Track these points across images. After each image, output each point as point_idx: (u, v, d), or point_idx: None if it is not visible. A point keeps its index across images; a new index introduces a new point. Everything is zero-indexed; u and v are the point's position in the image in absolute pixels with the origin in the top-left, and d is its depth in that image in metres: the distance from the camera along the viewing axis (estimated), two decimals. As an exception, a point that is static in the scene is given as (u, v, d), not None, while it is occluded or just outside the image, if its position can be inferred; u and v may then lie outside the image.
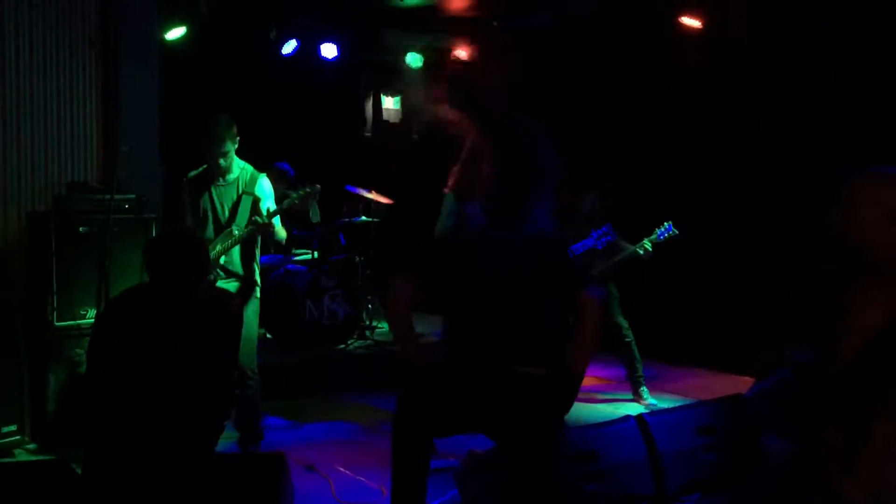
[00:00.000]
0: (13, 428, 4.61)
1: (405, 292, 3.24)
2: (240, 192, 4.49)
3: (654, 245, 5.59)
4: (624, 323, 5.68)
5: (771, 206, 6.31)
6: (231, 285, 4.45)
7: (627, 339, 5.67)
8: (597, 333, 3.30)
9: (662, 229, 5.59)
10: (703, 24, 6.60)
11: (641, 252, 5.58)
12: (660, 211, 5.77)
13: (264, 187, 4.58)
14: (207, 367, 3.21)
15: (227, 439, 4.79)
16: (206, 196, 4.48)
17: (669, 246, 5.69)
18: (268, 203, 4.55)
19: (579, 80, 7.62)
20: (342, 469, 4.45)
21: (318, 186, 4.89)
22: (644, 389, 5.70)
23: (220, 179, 4.50)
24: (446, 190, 4.55)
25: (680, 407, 4.73)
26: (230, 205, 4.49)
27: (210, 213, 4.47)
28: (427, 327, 6.72)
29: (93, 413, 3.21)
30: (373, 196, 7.11)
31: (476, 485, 3.62)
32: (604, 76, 7.44)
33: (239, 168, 4.53)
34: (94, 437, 3.18)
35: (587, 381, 6.21)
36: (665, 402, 5.62)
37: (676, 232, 5.58)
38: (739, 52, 6.41)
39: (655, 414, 4.25)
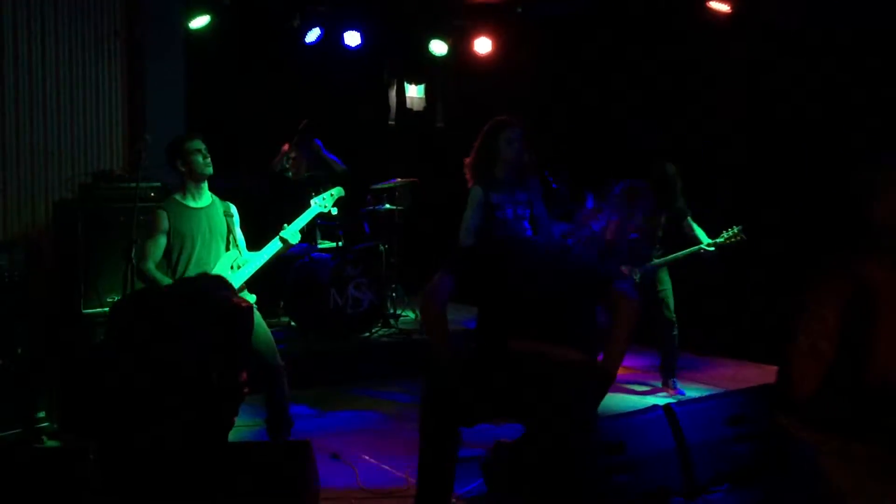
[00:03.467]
0: (42, 415, 4.66)
1: (444, 288, 3.26)
2: (222, 214, 4.45)
3: (718, 247, 5.57)
4: (673, 318, 5.65)
5: (800, 193, 6.21)
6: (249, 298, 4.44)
7: (674, 333, 5.65)
8: (632, 329, 3.30)
9: (730, 233, 5.55)
10: (731, 8, 6.49)
11: (702, 251, 5.56)
12: (694, 200, 5.70)
13: (235, 211, 4.56)
14: (216, 366, 3.24)
15: (255, 426, 4.83)
16: (187, 222, 4.33)
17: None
18: (237, 228, 4.54)
19: (604, 67, 7.54)
20: (367, 457, 4.44)
21: (341, 189, 4.82)
22: (674, 380, 5.66)
23: (195, 202, 4.39)
24: (469, 184, 4.57)
25: (708, 396, 4.67)
26: (219, 228, 4.41)
27: (196, 238, 4.33)
28: (455, 315, 6.70)
29: (108, 405, 3.24)
30: (399, 182, 7.10)
31: (502, 474, 3.59)
32: (629, 64, 7.34)
33: (208, 194, 4.47)
34: (110, 429, 3.21)
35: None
36: (693, 392, 5.56)
37: (744, 238, 5.53)
38: (769, 37, 6.30)
39: (684, 404, 4.19)
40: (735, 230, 5.55)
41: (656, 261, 5.64)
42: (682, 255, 5.62)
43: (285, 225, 4.53)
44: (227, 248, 4.46)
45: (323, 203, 4.72)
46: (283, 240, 4.46)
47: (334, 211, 4.82)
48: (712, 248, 5.57)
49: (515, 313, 3.26)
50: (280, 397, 4.51)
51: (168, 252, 4.33)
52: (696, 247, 5.60)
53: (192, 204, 4.39)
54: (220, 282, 4.00)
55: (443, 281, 3.28)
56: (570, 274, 3.32)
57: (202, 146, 4.38)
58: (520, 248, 3.39)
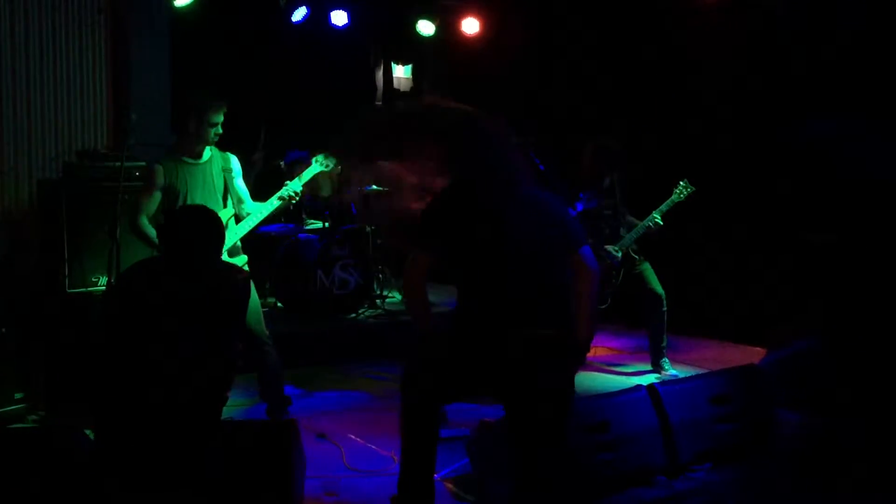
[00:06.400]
0: (27, 394, 4.65)
1: (421, 264, 3.26)
2: (220, 170, 4.46)
3: (664, 214, 5.59)
4: (662, 293, 5.65)
5: (784, 174, 6.24)
6: (239, 260, 4.45)
7: (664, 310, 5.64)
8: (594, 296, 3.30)
9: (679, 189, 5.60)
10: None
11: (651, 225, 5.60)
12: (675, 178, 5.73)
13: (237, 164, 4.58)
14: (214, 339, 3.24)
15: (246, 405, 4.84)
16: (182, 179, 4.35)
17: (681, 215, 5.66)
18: (238, 180, 4.56)
19: (593, 48, 7.52)
20: (353, 437, 4.46)
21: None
22: (665, 360, 5.68)
23: (194, 160, 4.40)
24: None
25: (692, 377, 4.71)
26: (216, 184, 4.43)
27: (191, 195, 4.35)
28: (440, 297, 6.75)
29: (100, 383, 3.24)
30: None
31: (487, 454, 3.62)
32: (620, 44, 7.33)
33: (209, 147, 4.47)
34: (102, 406, 3.21)
35: (600, 352, 6.26)
36: (677, 373, 5.60)
37: (693, 189, 5.59)
38: (760, 16, 6.30)
39: (667, 384, 4.24)
40: (682, 184, 5.60)
41: (626, 236, 5.66)
42: (643, 228, 5.62)
43: (286, 182, 4.54)
44: (225, 205, 4.45)
45: (325, 162, 4.68)
46: (282, 198, 4.50)
47: (338, 169, 4.76)
48: (658, 220, 5.58)
49: (490, 270, 3.20)
50: (272, 373, 4.54)
51: (163, 208, 4.34)
52: (648, 220, 5.60)
53: (189, 160, 4.39)
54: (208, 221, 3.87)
55: (418, 257, 3.28)
56: (548, 221, 3.25)
57: (220, 120, 4.37)
58: (488, 196, 3.30)
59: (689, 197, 5.61)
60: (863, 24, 5.67)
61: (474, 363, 3.18)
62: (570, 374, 3.26)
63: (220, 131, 4.39)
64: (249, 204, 4.55)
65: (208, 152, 4.45)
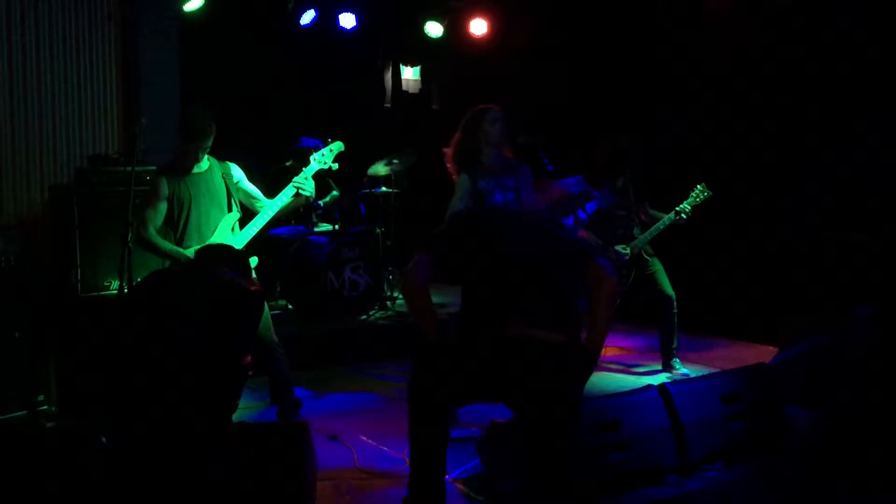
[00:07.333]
0: (40, 398, 4.68)
1: (421, 267, 3.27)
2: (221, 178, 4.48)
3: (692, 208, 5.60)
4: (672, 294, 5.65)
5: (795, 173, 6.22)
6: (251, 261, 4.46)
7: (674, 311, 5.63)
8: (612, 307, 3.31)
9: (696, 192, 5.59)
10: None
11: (683, 216, 5.58)
12: (685, 177, 5.72)
13: (237, 170, 4.59)
14: (224, 348, 3.26)
15: (257, 408, 4.86)
16: (185, 187, 4.37)
17: (693, 214, 5.65)
18: (244, 182, 4.58)
19: (600, 48, 7.52)
20: (365, 438, 4.47)
21: (340, 143, 4.78)
22: (676, 360, 5.67)
23: (193, 169, 4.42)
24: (454, 176, 4.56)
25: (703, 376, 4.70)
26: (218, 191, 4.45)
27: (196, 202, 4.37)
28: (447, 297, 6.73)
29: (112, 388, 3.26)
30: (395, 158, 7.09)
31: (498, 454, 3.63)
32: (627, 43, 7.33)
33: (206, 157, 4.49)
34: (114, 410, 3.23)
35: (611, 352, 6.26)
36: (690, 372, 5.59)
37: (710, 193, 5.58)
38: (767, 11, 6.29)
39: (678, 383, 4.23)
40: (700, 188, 5.59)
41: (640, 236, 5.66)
42: (663, 225, 5.61)
43: (295, 177, 4.54)
44: (230, 210, 4.48)
45: (322, 159, 4.68)
46: (297, 186, 4.47)
47: (335, 167, 4.77)
48: (689, 211, 5.57)
49: (496, 286, 3.23)
50: (282, 376, 4.55)
51: (169, 218, 4.37)
52: (672, 213, 5.59)
53: (179, 172, 4.40)
54: (232, 256, 3.96)
55: (420, 260, 3.30)
56: (551, 244, 3.29)
57: (208, 145, 4.39)
58: (497, 216, 3.37)
59: (704, 202, 5.59)
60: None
61: (480, 370, 3.19)
62: (577, 379, 3.26)
63: (209, 143, 4.40)
64: (265, 200, 4.56)
65: (206, 162, 4.48)
